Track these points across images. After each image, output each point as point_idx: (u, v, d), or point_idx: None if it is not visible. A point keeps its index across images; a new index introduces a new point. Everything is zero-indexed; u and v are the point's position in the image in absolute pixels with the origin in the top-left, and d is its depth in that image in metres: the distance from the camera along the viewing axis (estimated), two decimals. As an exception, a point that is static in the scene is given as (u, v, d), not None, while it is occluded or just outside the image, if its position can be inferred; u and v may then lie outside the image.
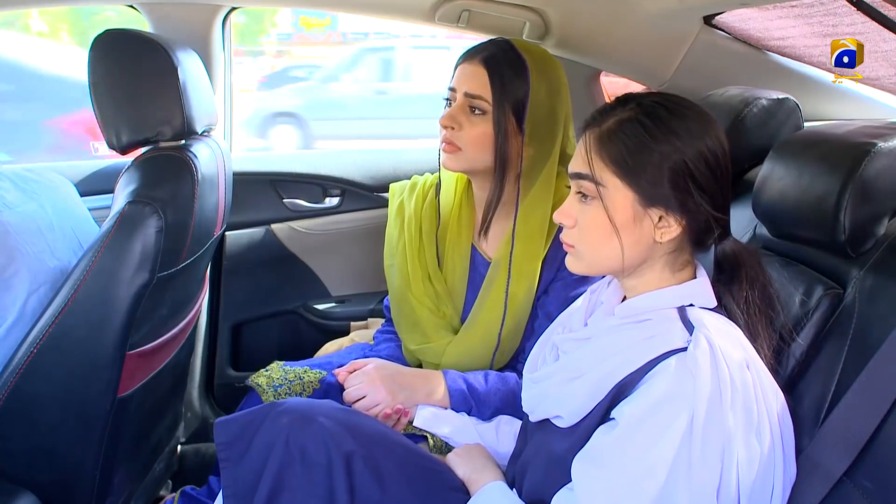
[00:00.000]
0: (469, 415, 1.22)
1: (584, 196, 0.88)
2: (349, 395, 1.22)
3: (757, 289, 0.89)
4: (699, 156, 0.84)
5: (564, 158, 1.27)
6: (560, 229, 1.23)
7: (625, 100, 0.88)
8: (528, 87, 1.22)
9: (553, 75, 1.26)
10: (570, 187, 0.92)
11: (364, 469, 0.96)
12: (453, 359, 1.28)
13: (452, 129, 1.23)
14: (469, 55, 1.26)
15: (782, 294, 0.93)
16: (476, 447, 1.11)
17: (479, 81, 1.22)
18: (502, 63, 1.22)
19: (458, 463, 1.07)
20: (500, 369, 1.30)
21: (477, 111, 1.22)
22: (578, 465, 0.83)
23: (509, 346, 1.28)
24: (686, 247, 0.89)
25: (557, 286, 1.26)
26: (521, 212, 1.26)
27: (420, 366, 1.34)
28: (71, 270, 1.12)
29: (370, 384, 1.21)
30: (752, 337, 0.86)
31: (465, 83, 1.24)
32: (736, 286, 0.89)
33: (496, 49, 1.24)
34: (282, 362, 1.35)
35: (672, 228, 0.85)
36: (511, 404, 1.21)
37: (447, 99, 1.28)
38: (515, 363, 1.30)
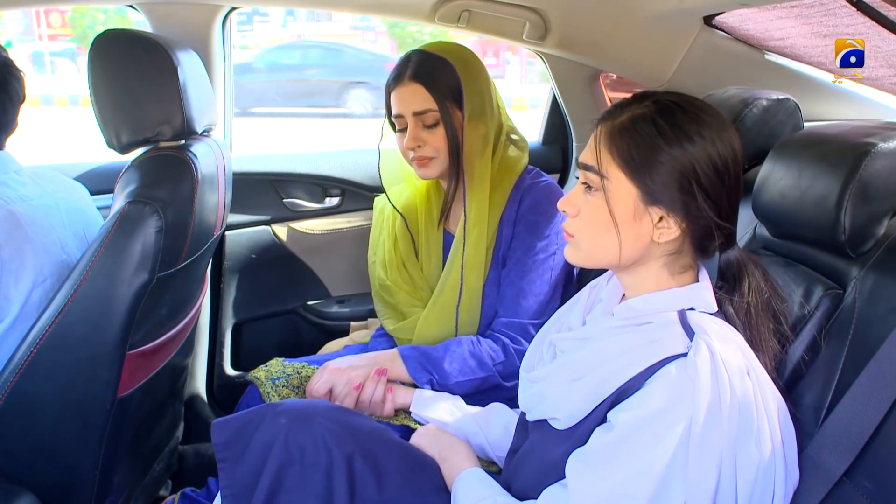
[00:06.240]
0: (432, 379, 1.26)
1: (589, 187, 0.87)
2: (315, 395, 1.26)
3: (760, 301, 0.88)
4: (709, 161, 0.83)
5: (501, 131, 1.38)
6: (514, 189, 1.35)
7: (642, 96, 0.88)
8: (458, 80, 1.29)
9: (472, 60, 1.34)
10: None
11: (364, 468, 0.96)
12: (425, 331, 1.36)
13: (419, 146, 1.32)
14: (395, 80, 1.32)
15: (782, 294, 0.93)
16: (433, 426, 1.15)
17: (419, 97, 1.29)
18: (429, 70, 1.29)
19: (425, 444, 1.09)
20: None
21: (430, 123, 1.30)
22: (573, 463, 0.83)
23: (469, 301, 1.34)
24: (687, 250, 0.88)
25: (516, 245, 1.33)
26: (468, 186, 1.34)
27: None
28: (71, 270, 1.12)
29: (317, 377, 1.26)
30: (753, 344, 0.85)
31: (408, 105, 1.31)
32: (738, 296, 0.88)
33: (416, 60, 1.31)
34: (281, 359, 1.37)
35: (671, 230, 0.85)
36: (471, 364, 1.27)
37: (393, 123, 1.36)
38: (489, 329, 1.34)
